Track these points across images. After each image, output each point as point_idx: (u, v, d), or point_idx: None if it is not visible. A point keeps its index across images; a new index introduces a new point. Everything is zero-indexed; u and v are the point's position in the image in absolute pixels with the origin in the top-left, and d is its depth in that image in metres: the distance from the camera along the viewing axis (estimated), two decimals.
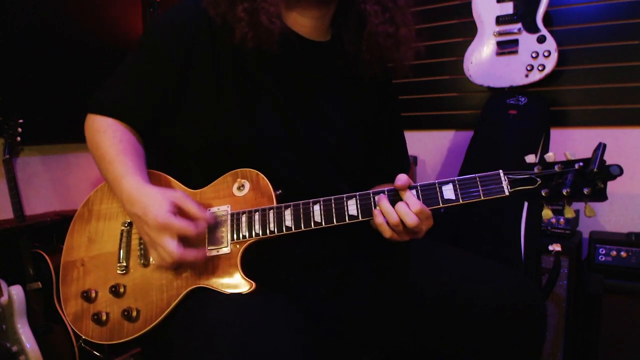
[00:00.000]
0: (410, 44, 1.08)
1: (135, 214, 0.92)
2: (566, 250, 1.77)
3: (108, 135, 1.01)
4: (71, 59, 2.21)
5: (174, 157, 1.06)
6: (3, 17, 1.95)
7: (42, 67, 2.10)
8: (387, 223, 0.88)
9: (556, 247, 1.77)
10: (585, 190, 0.81)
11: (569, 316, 1.78)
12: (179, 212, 0.88)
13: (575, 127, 2.12)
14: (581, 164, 0.82)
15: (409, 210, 0.86)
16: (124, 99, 1.02)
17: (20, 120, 1.92)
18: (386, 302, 1.03)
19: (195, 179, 1.01)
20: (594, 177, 0.80)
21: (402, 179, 0.87)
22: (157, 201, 0.88)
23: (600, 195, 0.81)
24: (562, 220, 1.86)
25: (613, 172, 0.79)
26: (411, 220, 0.85)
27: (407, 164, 1.26)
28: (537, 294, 1.00)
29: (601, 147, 0.81)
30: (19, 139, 1.92)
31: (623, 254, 1.76)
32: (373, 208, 0.89)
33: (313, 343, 0.86)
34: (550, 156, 0.85)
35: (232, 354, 0.72)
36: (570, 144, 2.11)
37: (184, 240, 0.87)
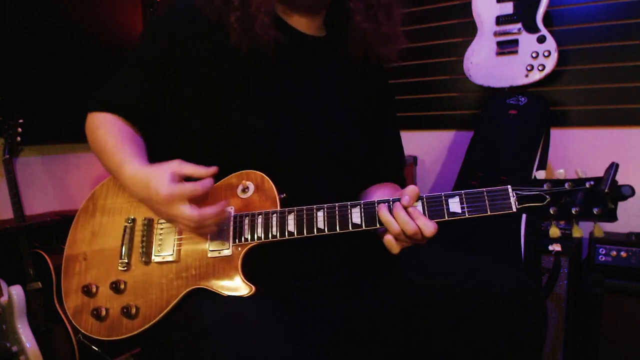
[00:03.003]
0: (395, 41, 1.09)
1: (143, 198, 0.93)
2: (566, 250, 1.77)
3: (106, 128, 1.02)
4: (71, 59, 2.21)
5: (179, 156, 1.06)
6: (3, 17, 1.95)
7: (42, 67, 2.10)
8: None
9: (556, 247, 1.77)
10: (595, 210, 0.79)
11: (569, 316, 1.78)
12: (181, 179, 0.88)
13: (575, 127, 2.12)
14: (592, 182, 0.79)
15: (410, 219, 0.84)
16: (122, 94, 1.04)
17: (20, 120, 1.92)
18: (386, 305, 1.03)
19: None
20: (605, 197, 0.78)
21: (410, 194, 0.86)
22: (155, 177, 0.89)
23: (610, 216, 0.79)
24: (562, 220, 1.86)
25: (625, 193, 0.77)
26: (411, 228, 0.84)
27: (404, 160, 1.28)
28: (538, 294, 1.00)
29: (614, 167, 0.78)
30: (19, 139, 1.92)
31: (623, 254, 1.76)
32: (377, 217, 0.88)
33: (311, 348, 0.86)
34: (561, 173, 0.83)
35: (226, 355, 0.72)
36: (570, 144, 2.11)
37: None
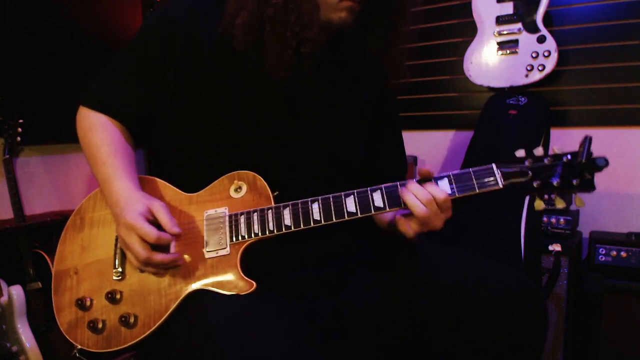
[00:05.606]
0: (402, 62, 1.08)
1: (116, 215, 0.94)
2: (566, 250, 1.77)
3: (100, 134, 1.02)
4: (71, 58, 2.21)
5: (172, 159, 1.06)
6: (3, 17, 1.95)
7: (42, 67, 2.10)
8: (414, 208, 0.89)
9: (556, 247, 1.77)
10: (574, 181, 0.85)
11: (569, 316, 1.78)
12: (154, 219, 0.90)
13: (575, 127, 2.12)
14: (569, 156, 0.85)
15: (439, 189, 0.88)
16: (119, 95, 1.02)
17: (20, 120, 1.92)
18: (387, 302, 1.03)
19: (193, 181, 1.01)
20: (582, 168, 0.84)
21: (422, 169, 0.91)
22: (135, 204, 0.91)
23: (588, 186, 0.84)
24: (562, 220, 1.86)
25: (599, 164, 0.83)
26: (443, 195, 0.87)
27: (406, 163, 1.27)
28: (539, 294, 1.00)
29: (587, 140, 0.84)
30: (19, 139, 1.92)
31: (623, 254, 1.76)
32: (371, 204, 0.90)
33: (313, 344, 0.86)
34: (539, 150, 0.88)
35: (231, 357, 0.72)
36: (570, 144, 2.11)
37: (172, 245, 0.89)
